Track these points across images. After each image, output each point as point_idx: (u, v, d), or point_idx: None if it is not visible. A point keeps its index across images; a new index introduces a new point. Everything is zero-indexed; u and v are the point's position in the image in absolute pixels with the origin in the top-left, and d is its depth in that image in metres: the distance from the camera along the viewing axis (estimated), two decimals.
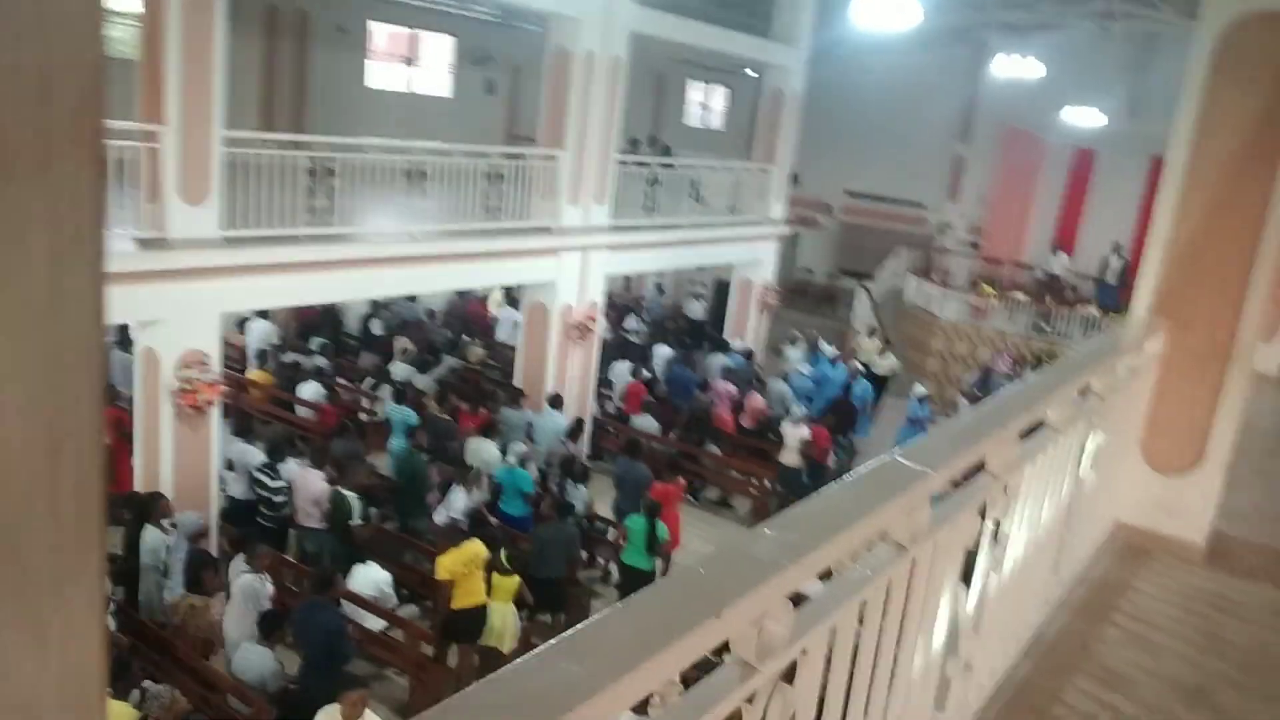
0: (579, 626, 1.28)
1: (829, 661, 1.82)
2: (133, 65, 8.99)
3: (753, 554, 1.56)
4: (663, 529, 9.67)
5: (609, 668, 1.18)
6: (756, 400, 14.45)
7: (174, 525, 8.60)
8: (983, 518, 2.52)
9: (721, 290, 19.24)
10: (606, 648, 1.22)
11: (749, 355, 16.45)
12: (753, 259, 17.11)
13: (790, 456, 12.81)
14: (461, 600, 8.33)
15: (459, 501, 10.15)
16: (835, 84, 22.32)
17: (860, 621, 1.91)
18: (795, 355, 16.95)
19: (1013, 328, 19.53)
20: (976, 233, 24.50)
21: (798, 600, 1.76)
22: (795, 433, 12.88)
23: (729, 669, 1.52)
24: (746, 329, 17.53)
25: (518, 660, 1.20)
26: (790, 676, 1.65)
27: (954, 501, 2.35)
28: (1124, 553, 4.57)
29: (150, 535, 8.41)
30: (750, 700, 1.53)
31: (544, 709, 1.08)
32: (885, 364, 17.65)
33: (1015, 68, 20.10)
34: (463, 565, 8.28)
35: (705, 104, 26.44)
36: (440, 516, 10.20)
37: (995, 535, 2.64)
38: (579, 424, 12.08)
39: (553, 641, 1.23)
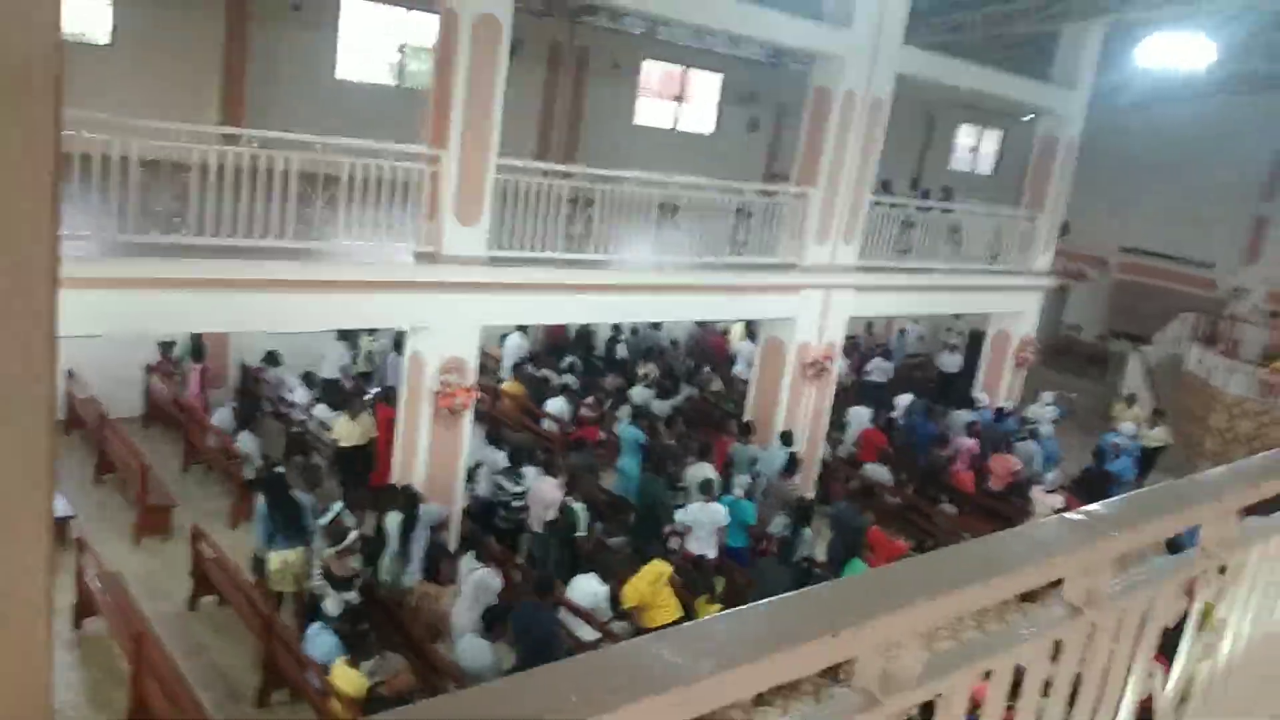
0: (693, 622, 1.33)
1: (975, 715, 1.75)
2: (425, 95, 9.97)
3: (890, 582, 1.55)
4: (855, 566, 9.36)
5: (705, 663, 1.22)
6: (1008, 461, 13.62)
7: (439, 520, 9.36)
8: (1190, 597, 2.31)
9: (975, 341, 18.36)
10: (708, 645, 1.27)
11: (1001, 413, 15.57)
12: (1012, 310, 16.24)
13: None
14: (655, 621, 8.50)
15: (720, 514, 10.21)
16: (1118, 130, 20.86)
17: (1019, 681, 1.82)
18: (1045, 415, 15.85)
19: None
20: (1276, 300, 21.93)
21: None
22: (1047, 500, 12.06)
23: (850, 696, 1.51)
24: (999, 385, 16.61)
25: (626, 641, 1.27)
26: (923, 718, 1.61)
27: (1152, 573, 2.17)
28: None
29: (391, 520, 9.20)
30: None
31: (628, 689, 1.14)
32: (1155, 436, 16.15)
33: None
34: (648, 586, 8.44)
35: (975, 147, 25.48)
36: (700, 545, 10.26)
37: (1206, 621, 2.41)
38: (794, 460, 11.90)
39: (656, 631, 1.29)
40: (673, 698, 1.16)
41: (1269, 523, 2.59)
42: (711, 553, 10.06)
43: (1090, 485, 13.05)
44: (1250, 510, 2.47)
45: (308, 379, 13.61)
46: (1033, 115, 17.29)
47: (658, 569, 8.53)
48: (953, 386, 18.50)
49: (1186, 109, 21.18)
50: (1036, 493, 12.29)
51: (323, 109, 14.23)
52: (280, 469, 9.76)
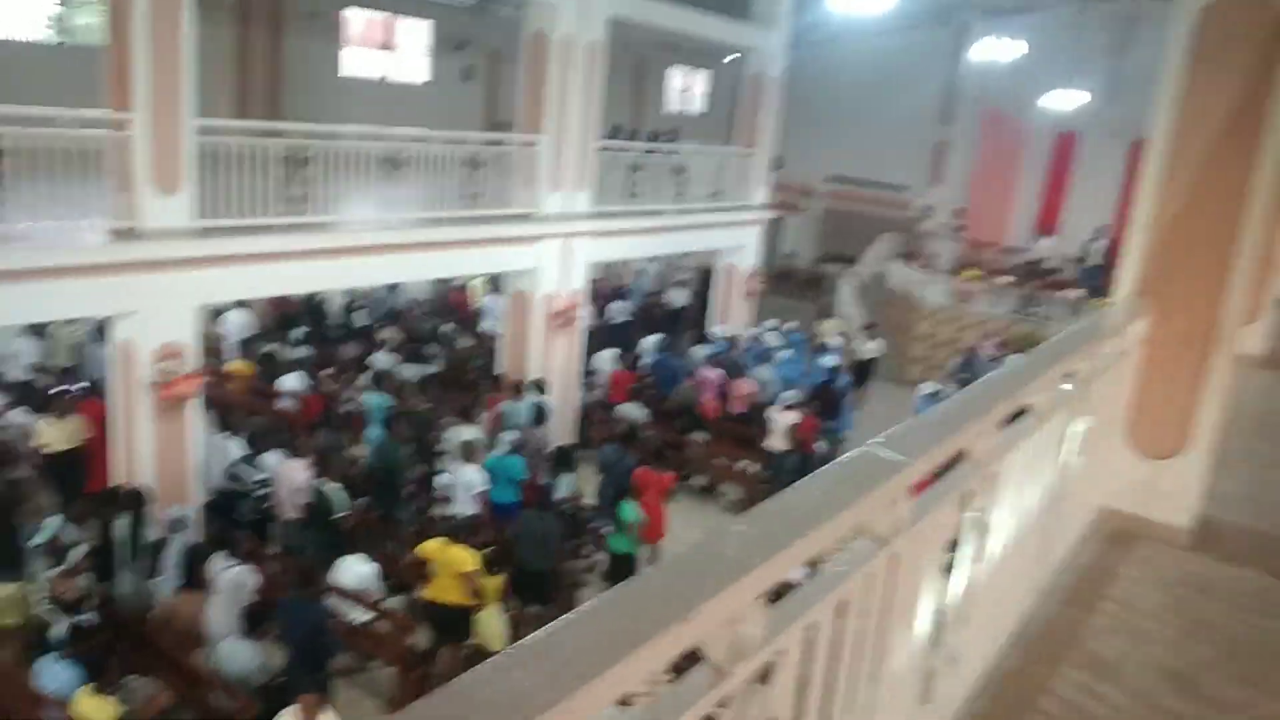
0: (536, 634, 1.21)
1: (807, 660, 1.76)
2: (99, 52, 8.83)
3: (723, 552, 1.49)
4: (629, 510, 9.62)
5: (566, 678, 1.11)
6: (746, 385, 14.36)
7: (174, 523, 8.51)
8: (964, 508, 2.47)
9: (706, 278, 19.15)
10: (564, 656, 1.16)
11: (732, 341, 16.38)
12: (736, 245, 17.03)
13: (778, 442, 12.75)
14: (436, 593, 8.30)
15: (476, 479, 10.03)
16: (816, 67, 22.30)
17: (839, 618, 1.85)
18: (770, 340, 16.86)
19: (997, 312, 19.52)
20: (960, 216, 24.51)
21: (780, 592, 1.70)
22: (783, 419, 12.82)
23: (699, 673, 1.45)
24: (730, 316, 17.46)
25: (474, 668, 1.13)
26: (766, 677, 1.59)
27: (935, 492, 2.29)
28: (1110, 539, 4.54)
29: (120, 527, 8.31)
30: (723, 705, 1.47)
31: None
32: (870, 349, 17.63)
33: (996, 50, 20.07)
34: (440, 559, 8.24)
35: (686, 89, 26.30)
36: (458, 505, 10.06)
37: (978, 525, 2.59)
38: (540, 410, 11.97)
39: (509, 649, 1.16)
40: (565, 710, 1.05)
41: (1019, 429, 2.81)
42: (473, 510, 9.91)
43: (823, 401, 14.02)
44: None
45: (0, 380, 11.94)
46: (738, 54, 18.02)
47: (458, 556, 8.27)
48: (682, 320, 19.23)
49: (873, 43, 22.92)
50: (773, 412, 13.02)
51: None
52: (16, 488, 8.52)
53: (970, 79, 23.22)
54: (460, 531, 8.65)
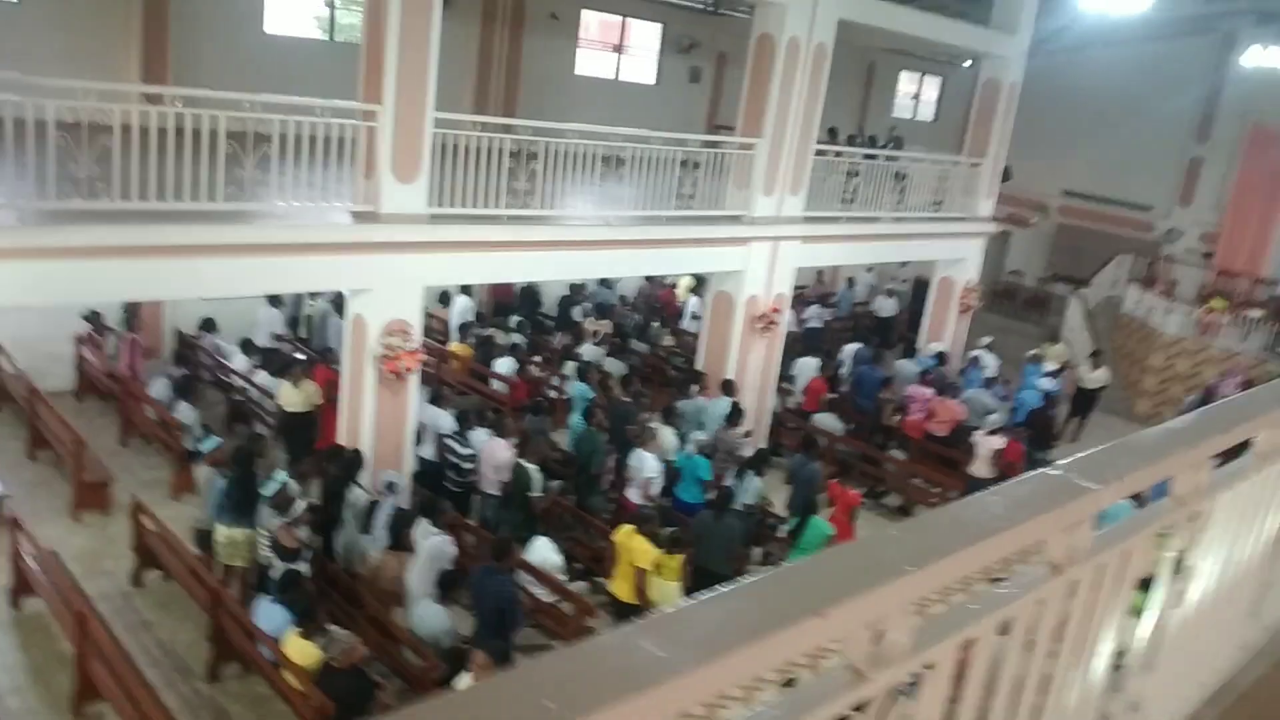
0: (670, 609, 1.23)
1: (961, 680, 1.69)
2: (356, 49, 9.61)
3: (877, 553, 1.46)
4: (820, 525, 9.42)
5: (690, 655, 1.13)
6: (954, 407, 13.78)
7: (389, 486, 9.18)
8: (1162, 547, 2.29)
9: (920, 289, 18.51)
10: (692, 634, 1.17)
11: (942, 359, 15.75)
12: (956, 257, 16.36)
13: (981, 468, 12.18)
14: (614, 586, 8.57)
15: (650, 465, 10.22)
16: (1057, 76, 21.03)
17: (1002, 641, 1.77)
18: (990, 362, 16.05)
19: (1244, 348, 17.70)
20: (1210, 241, 22.43)
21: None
22: (987, 443, 12.24)
23: (839, 673, 1.43)
24: (944, 331, 16.79)
25: (601, 634, 1.17)
26: (913, 691, 1.54)
27: (1128, 525, 2.13)
28: None
29: (355, 491, 9.02)
30: (860, 709, 1.44)
31: (612, 688, 1.05)
32: (1095, 377, 16.46)
33: (1268, 58, 18.23)
34: (623, 547, 8.42)
35: (917, 95, 25.50)
36: (632, 493, 10.30)
37: (1178, 567, 2.39)
38: (736, 410, 11.89)
39: (639, 621, 1.19)
40: (661, 693, 1.07)
41: (1234, 469, 2.57)
42: (638, 501, 10.02)
43: (1036, 425, 13.27)
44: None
45: (246, 346, 13.25)
46: (973, 61, 17.30)
47: (641, 546, 8.47)
48: (889, 330, 18.65)
49: (1123, 52, 21.39)
50: (979, 436, 12.44)
51: (250, 65, 13.70)
52: (248, 443, 9.48)
53: (1234, 91, 21.20)
54: (648, 521, 8.79)
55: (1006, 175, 16.97)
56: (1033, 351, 16.55)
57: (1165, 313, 18.91)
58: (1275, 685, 3.12)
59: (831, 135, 15.29)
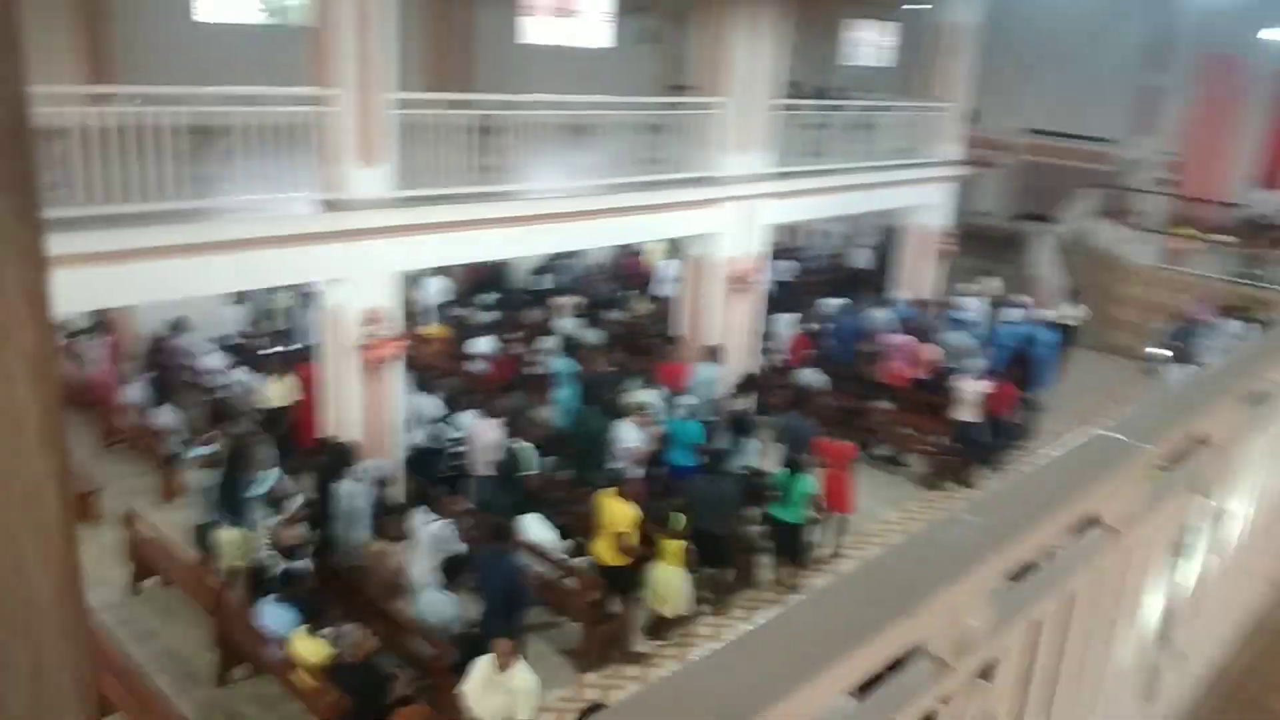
0: (761, 625, 1.18)
1: (1030, 654, 1.66)
2: (298, 33, 9.36)
3: (948, 543, 1.42)
4: (806, 482, 9.44)
5: (792, 671, 1.08)
6: (930, 352, 13.82)
7: (381, 475, 9.10)
8: (1200, 494, 2.27)
9: (889, 237, 18.49)
10: (789, 649, 1.13)
11: (922, 304, 15.77)
12: (926, 203, 16.34)
13: (966, 412, 12.24)
14: (598, 550, 8.61)
15: (629, 436, 10.18)
16: (1014, 14, 20.91)
17: (1065, 611, 1.74)
18: (972, 304, 16.08)
19: (1216, 273, 17.86)
20: (1172, 170, 22.55)
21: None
22: (970, 388, 12.29)
23: (920, 667, 1.39)
24: (922, 278, 16.80)
25: (696, 659, 1.12)
26: (988, 673, 1.51)
27: (1173, 479, 2.11)
28: None
29: (346, 483, 8.92)
30: (945, 701, 1.41)
31: (724, 714, 1.00)
32: (1072, 314, 16.55)
33: None
34: (605, 513, 8.42)
35: (874, 43, 25.34)
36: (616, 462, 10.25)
37: (1214, 513, 2.37)
38: (750, 380, 11.89)
39: (733, 640, 1.14)
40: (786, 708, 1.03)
41: (1263, 410, 2.55)
42: (626, 469, 9.92)
43: (1021, 365, 13.33)
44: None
45: (220, 343, 13.05)
46: (930, 4, 17.18)
47: (625, 512, 8.47)
48: (864, 281, 18.64)
49: None
50: (959, 381, 12.47)
51: (183, 56, 13.30)
52: (239, 442, 9.36)
53: (1186, 19, 21.21)
54: (628, 484, 8.77)
55: (973, 118, 16.91)
56: (962, 286, 16.69)
57: (1135, 244, 19.01)
58: None
59: (795, 89, 15.14)
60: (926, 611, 1.26)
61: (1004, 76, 21.56)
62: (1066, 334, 15.91)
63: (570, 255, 18.05)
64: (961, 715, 1.44)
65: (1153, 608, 2.16)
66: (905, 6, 23.49)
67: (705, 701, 1.04)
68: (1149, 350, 15.40)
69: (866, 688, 1.28)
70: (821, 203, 14.78)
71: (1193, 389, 2.25)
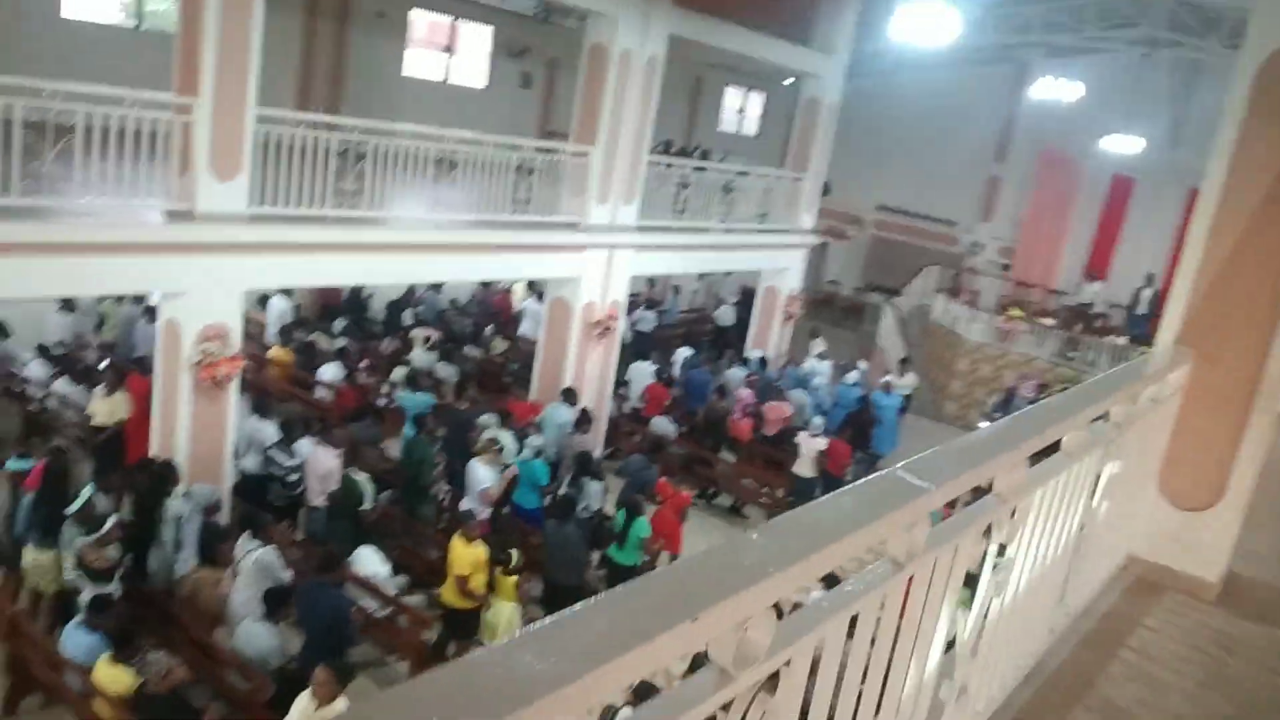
0: (546, 620, 1.24)
1: (814, 674, 1.77)
2: (171, 38, 9.06)
3: (739, 559, 1.52)
4: (641, 525, 9.58)
5: (571, 666, 1.14)
6: (781, 409, 14.30)
7: (188, 495, 8.67)
8: (987, 540, 2.46)
9: (748, 297, 19.14)
10: (572, 645, 1.19)
11: (764, 362, 16.35)
12: (780, 267, 17.01)
13: (805, 467, 12.71)
14: (445, 592, 8.49)
15: (483, 476, 10.06)
16: (873, 96, 22.24)
17: (850, 636, 1.86)
18: (821, 368, 16.77)
19: (1040, 353, 19.26)
20: (1008, 255, 24.31)
21: (785, 608, 1.72)
22: (811, 444, 12.78)
23: (705, 674, 1.47)
24: (769, 337, 17.43)
25: (482, 648, 1.16)
26: (772, 687, 1.60)
27: (957, 521, 2.29)
28: (1135, 587, 4.48)
29: (171, 505, 8.46)
30: (726, 708, 1.49)
31: (498, 703, 1.05)
32: (905, 382, 17.47)
33: (1056, 90, 19.92)
34: (451, 558, 8.34)
35: (741, 109, 26.33)
36: (468, 503, 10.08)
37: (999, 559, 2.58)
38: (585, 416, 11.99)
39: (517, 634, 1.19)
40: (547, 704, 1.08)
41: (1046, 467, 2.80)
42: (477, 510, 9.82)
43: (856, 426, 13.94)
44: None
45: (43, 351, 12.23)
46: (794, 79, 18.05)
47: (480, 554, 8.37)
48: (727, 339, 19.21)
49: (932, 76, 22.85)
50: (803, 437, 12.97)
51: (49, 51, 12.66)
52: (56, 457, 8.73)
53: (1028, 118, 23.06)
54: (473, 526, 8.68)
55: (826, 189, 17.78)
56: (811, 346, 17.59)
57: (969, 321, 20.32)
58: (1083, 664, 3.41)
59: (666, 147, 15.60)
60: (709, 619, 1.34)
61: (861, 154, 22.84)
62: (902, 401, 16.75)
63: (435, 288, 17.85)
64: None
65: (935, 642, 2.33)
66: (772, 79, 24.55)
67: (479, 692, 1.08)
68: (981, 421, 16.36)
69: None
70: (681, 258, 15.19)
71: (982, 442, 2.45)
